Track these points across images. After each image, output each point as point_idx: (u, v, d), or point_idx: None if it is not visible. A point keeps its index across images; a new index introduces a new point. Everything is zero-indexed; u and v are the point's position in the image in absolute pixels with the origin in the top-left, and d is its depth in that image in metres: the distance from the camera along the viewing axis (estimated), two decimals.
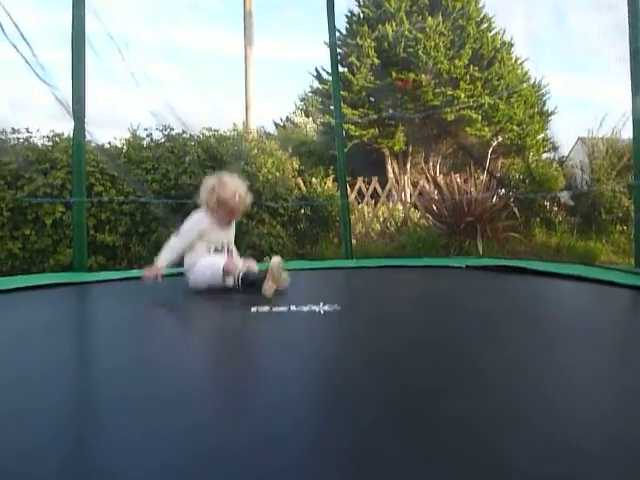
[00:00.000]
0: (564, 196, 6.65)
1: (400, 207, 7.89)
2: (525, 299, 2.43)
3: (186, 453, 0.81)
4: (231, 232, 2.88)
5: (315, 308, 1.94)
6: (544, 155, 11.47)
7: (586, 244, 6.12)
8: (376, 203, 7.78)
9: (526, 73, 13.19)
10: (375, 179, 8.02)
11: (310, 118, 17.32)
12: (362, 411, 0.99)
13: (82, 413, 1.06)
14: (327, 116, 12.68)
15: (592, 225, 6.38)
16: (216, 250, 2.73)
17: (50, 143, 5.56)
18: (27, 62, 3.46)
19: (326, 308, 1.95)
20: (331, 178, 8.03)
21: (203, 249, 2.68)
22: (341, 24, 12.65)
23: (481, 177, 7.02)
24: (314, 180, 7.58)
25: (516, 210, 6.43)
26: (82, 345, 1.75)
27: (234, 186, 2.73)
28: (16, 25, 3.72)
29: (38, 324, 1.93)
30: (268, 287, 2.31)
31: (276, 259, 2.44)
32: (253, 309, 1.96)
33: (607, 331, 1.73)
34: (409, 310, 2.17)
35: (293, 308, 1.97)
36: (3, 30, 3.71)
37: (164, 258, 2.61)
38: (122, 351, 1.52)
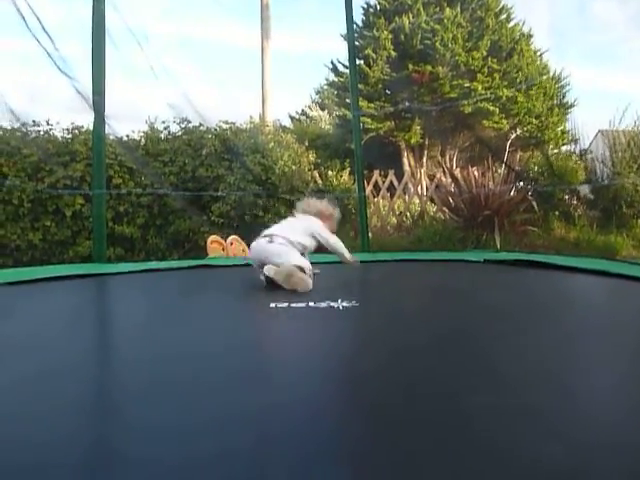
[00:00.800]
0: (584, 189, 6.53)
1: (416, 200, 7.84)
2: (546, 294, 2.40)
3: (203, 449, 0.82)
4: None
5: (333, 304, 1.94)
6: (564, 148, 11.29)
7: (606, 238, 6.01)
8: (392, 196, 7.74)
9: (546, 65, 12.96)
10: (391, 172, 7.98)
11: (326, 111, 17.26)
12: (382, 406, 0.99)
13: (105, 402, 1.08)
14: (343, 109, 12.62)
15: (612, 219, 6.26)
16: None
17: (70, 135, 5.64)
18: (49, 54, 3.50)
19: (345, 304, 1.94)
20: (347, 171, 8.01)
21: None
22: (357, 16, 12.54)
23: (499, 170, 6.93)
24: (330, 173, 7.57)
25: (534, 204, 6.34)
26: (102, 335, 1.78)
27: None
28: (38, 18, 3.77)
29: (59, 314, 1.96)
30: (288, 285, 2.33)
31: (283, 270, 2.35)
32: (272, 305, 1.96)
33: (630, 327, 1.71)
34: (428, 305, 2.16)
35: (311, 304, 1.96)
36: (26, 23, 3.75)
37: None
38: (139, 341, 1.53)
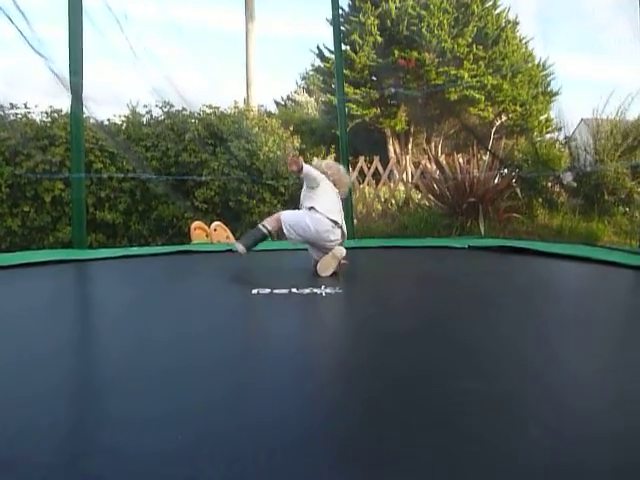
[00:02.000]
0: (567, 177, 6.58)
1: (402, 187, 7.84)
2: (529, 280, 2.41)
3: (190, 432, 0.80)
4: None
5: (317, 290, 1.92)
6: (547, 136, 11.37)
7: (588, 225, 6.08)
8: (377, 183, 7.72)
9: (531, 53, 12.98)
10: (377, 159, 7.95)
11: (312, 97, 17.12)
12: (366, 393, 0.98)
13: (81, 390, 1.05)
14: (329, 95, 12.52)
15: (595, 206, 6.33)
16: None
17: (49, 119, 5.50)
18: (22, 34, 3.38)
19: (328, 290, 1.93)
20: (332, 157, 7.96)
21: None
22: (344, 1, 12.40)
23: (484, 158, 6.95)
24: (315, 159, 7.51)
25: (518, 191, 6.38)
26: (79, 322, 1.74)
27: None
28: None
29: (36, 300, 1.91)
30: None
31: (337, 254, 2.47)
32: (254, 291, 1.93)
33: (612, 312, 1.72)
34: (411, 291, 2.16)
35: (294, 290, 1.94)
36: None
37: None
38: (119, 327, 1.50)
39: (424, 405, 0.89)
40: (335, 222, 2.50)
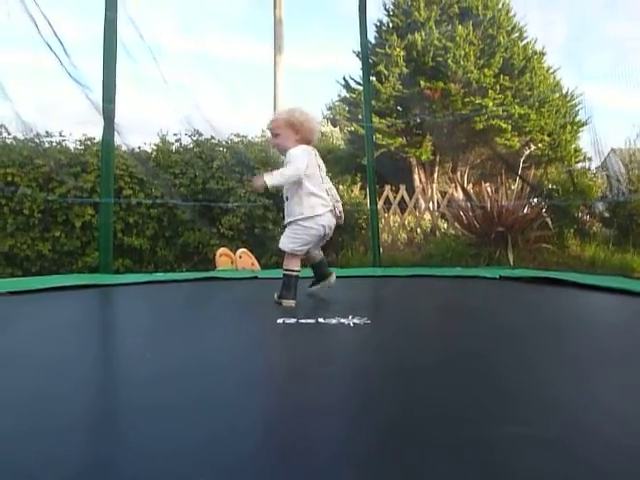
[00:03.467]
0: (599, 207, 6.42)
1: (428, 216, 7.76)
2: (565, 313, 2.30)
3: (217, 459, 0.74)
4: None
5: (344, 321, 1.85)
6: (578, 165, 11.18)
7: (622, 257, 5.87)
8: (403, 212, 7.67)
9: (558, 83, 12.91)
10: (402, 188, 7.92)
11: (337, 127, 17.30)
12: (392, 429, 0.91)
13: (104, 418, 1.01)
14: (354, 125, 12.62)
15: (629, 237, 6.13)
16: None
17: (82, 147, 5.64)
18: (61, 62, 3.50)
19: (355, 320, 1.85)
20: (358, 186, 7.96)
21: None
22: (370, 34, 12.60)
23: (512, 186, 6.84)
24: (341, 187, 7.51)
25: (549, 220, 6.23)
26: (101, 348, 1.71)
27: None
28: (54, 31, 3.78)
29: (59, 324, 1.90)
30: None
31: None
32: (279, 320, 1.88)
33: None
34: (443, 323, 2.07)
35: (321, 320, 1.88)
36: (42, 36, 3.77)
37: None
38: (139, 355, 1.47)
39: (460, 448, 0.82)
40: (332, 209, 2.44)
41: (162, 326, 1.91)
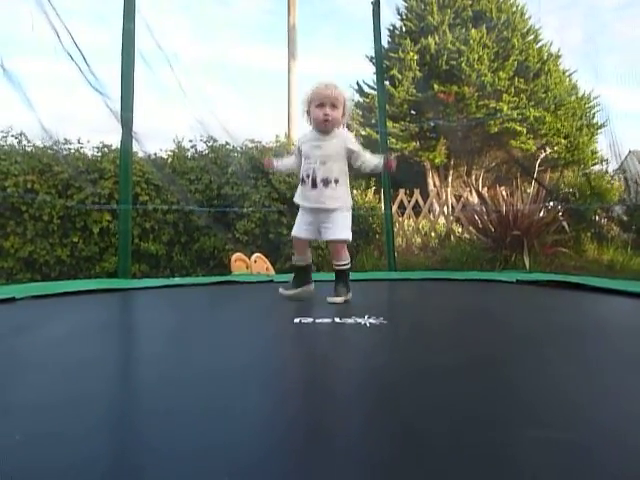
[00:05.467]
0: (617, 210, 6.34)
1: (442, 220, 7.73)
2: (585, 317, 2.28)
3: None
4: (329, 146, 2.31)
5: (360, 320, 1.87)
6: (595, 167, 11.06)
7: None
8: (417, 216, 7.65)
9: (574, 85, 12.80)
10: (417, 192, 7.90)
11: (353, 132, 17.35)
12: (414, 432, 0.91)
13: (124, 422, 1.02)
14: (368, 129, 12.64)
15: None
16: (303, 181, 2.34)
17: (100, 154, 5.74)
18: (81, 71, 3.57)
19: (372, 321, 1.86)
20: (372, 190, 7.96)
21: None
22: (383, 38, 12.63)
23: (528, 190, 6.79)
24: (355, 192, 7.52)
25: (565, 224, 6.16)
26: (121, 350, 1.73)
27: (325, 80, 2.33)
28: (74, 40, 3.86)
29: (77, 328, 1.93)
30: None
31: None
32: (296, 320, 1.90)
33: None
34: (460, 326, 2.06)
35: (337, 320, 1.90)
36: (62, 44, 3.85)
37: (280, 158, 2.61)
38: (158, 357, 1.48)
39: (484, 452, 0.82)
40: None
41: (183, 328, 1.93)
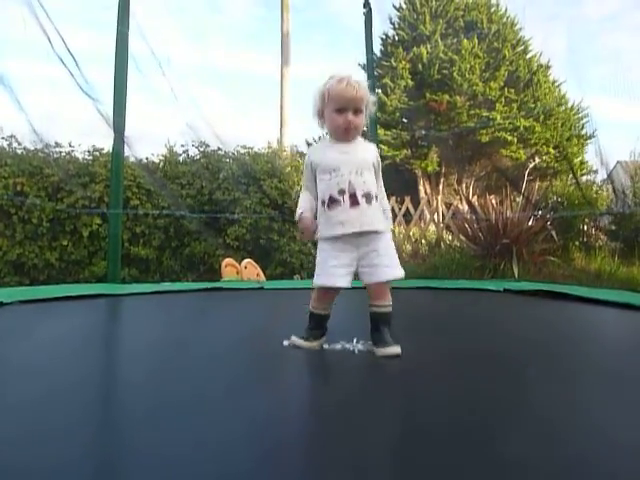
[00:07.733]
0: (605, 220, 6.42)
1: (432, 228, 7.78)
2: (572, 327, 2.31)
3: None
4: (359, 153, 1.75)
5: (348, 346, 1.70)
6: (583, 177, 11.20)
7: (628, 270, 5.86)
8: (408, 223, 7.70)
9: (564, 95, 12.97)
10: (407, 199, 7.95)
11: None
12: (406, 454, 0.93)
13: (107, 427, 1.03)
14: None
15: (635, 250, 6.12)
16: (333, 201, 1.67)
17: (91, 157, 5.72)
18: (72, 75, 3.57)
19: (360, 347, 1.69)
20: None
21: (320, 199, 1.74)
22: (376, 46, 12.75)
23: (517, 199, 6.86)
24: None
25: (554, 233, 6.23)
26: (106, 357, 1.73)
27: (345, 75, 1.74)
28: (65, 43, 3.86)
29: (65, 335, 1.93)
30: None
31: None
32: (285, 343, 1.75)
33: None
34: (448, 339, 2.02)
35: (325, 346, 1.72)
36: (53, 48, 3.85)
37: (304, 208, 1.78)
38: (143, 366, 1.48)
39: (469, 468, 0.83)
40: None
41: (167, 338, 1.93)
